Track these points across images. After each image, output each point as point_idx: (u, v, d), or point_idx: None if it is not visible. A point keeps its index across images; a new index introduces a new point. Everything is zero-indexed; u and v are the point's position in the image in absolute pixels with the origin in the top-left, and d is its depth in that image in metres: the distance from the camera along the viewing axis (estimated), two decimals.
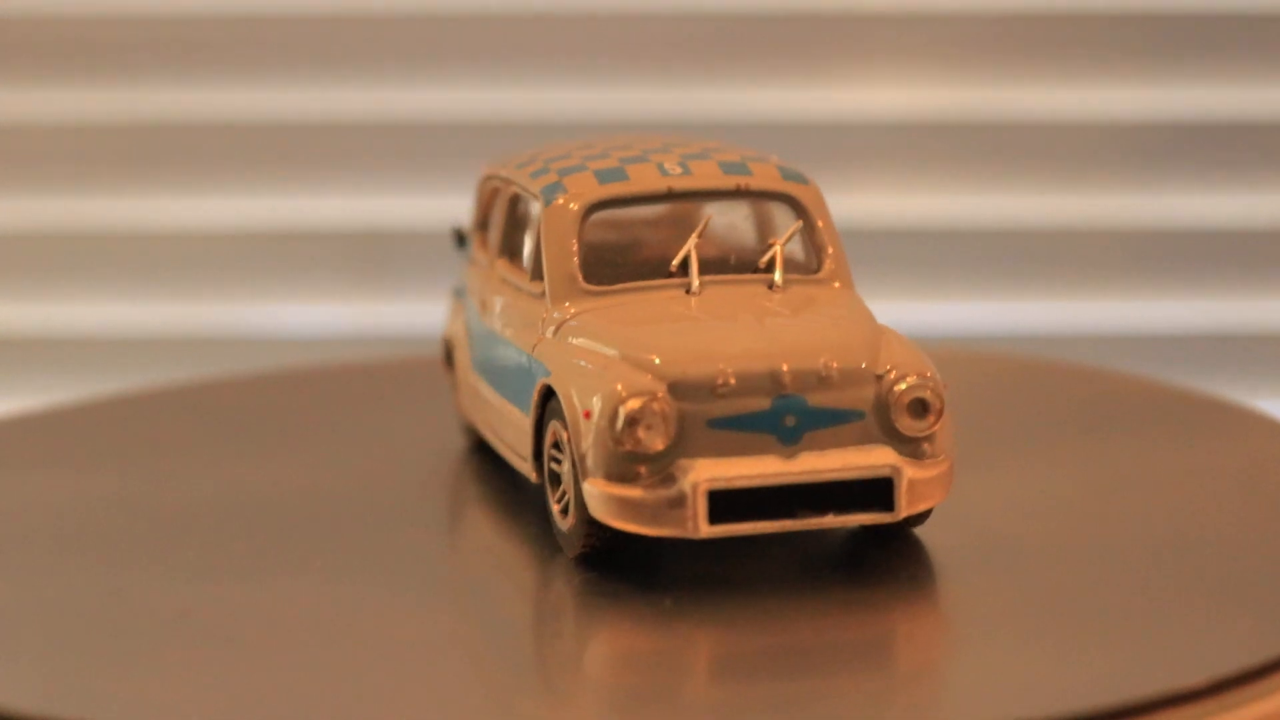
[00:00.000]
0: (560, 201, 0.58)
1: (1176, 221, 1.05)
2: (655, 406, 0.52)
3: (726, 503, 0.52)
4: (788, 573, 0.56)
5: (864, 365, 0.54)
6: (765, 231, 0.61)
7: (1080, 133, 1.04)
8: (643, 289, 0.57)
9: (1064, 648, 0.51)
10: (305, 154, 1.06)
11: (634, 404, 0.52)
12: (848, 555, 0.57)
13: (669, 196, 0.59)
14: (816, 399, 0.54)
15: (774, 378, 0.53)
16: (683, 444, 0.53)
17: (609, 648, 0.53)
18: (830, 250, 0.60)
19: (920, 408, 0.54)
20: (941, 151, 1.03)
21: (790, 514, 0.53)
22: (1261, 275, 1.05)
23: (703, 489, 0.52)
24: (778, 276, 0.58)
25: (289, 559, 0.58)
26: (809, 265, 0.59)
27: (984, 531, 0.59)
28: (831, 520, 0.53)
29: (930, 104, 1.04)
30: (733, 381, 0.53)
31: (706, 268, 0.59)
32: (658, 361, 0.53)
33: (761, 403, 0.53)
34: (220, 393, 0.77)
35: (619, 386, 0.52)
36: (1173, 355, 1.04)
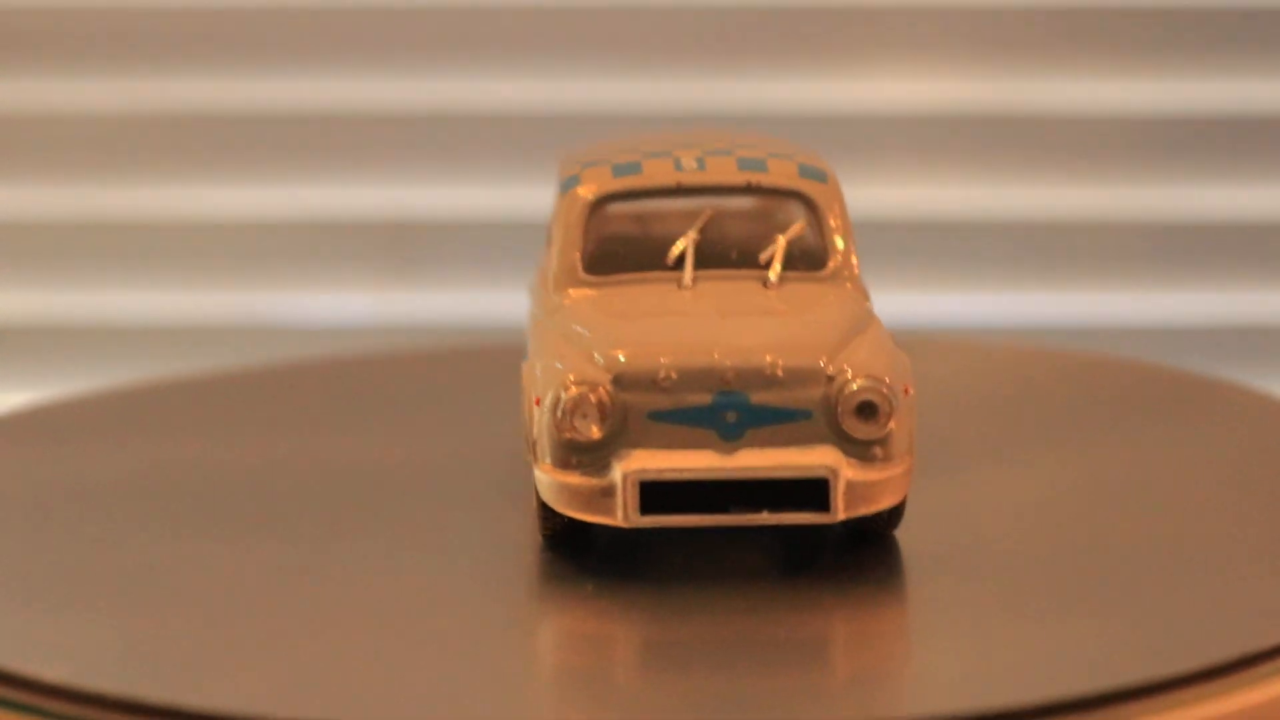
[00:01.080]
0: (573, 193, 0.60)
1: (1192, 214, 1.04)
2: (592, 397, 0.53)
3: (660, 494, 0.53)
4: (757, 568, 0.56)
5: (813, 365, 0.54)
6: (787, 227, 0.61)
7: (1096, 126, 1.04)
8: (639, 281, 0.59)
9: (1022, 645, 0.51)
10: (335, 144, 1.08)
11: (572, 393, 0.53)
12: (820, 554, 0.57)
13: (678, 191, 0.60)
14: (760, 397, 0.54)
15: (717, 373, 0.54)
16: (624, 435, 0.54)
17: (558, 632, 0.54)
18: (838, 248, 0.60)
19: (868, 410, 0.54)
20: (958, 144, 1.03)
21: (725, 509, 0.54)
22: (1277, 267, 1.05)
23: (633, 479, 0.53)
24: (772, 273, 0.59)
25: (305, 525, 0.61)
26: (817, 262, 0.60)
27: (967, 531, 0.59)
28: (766, 518, 0.54)
29: (947, 97, 1.04)
30: (674, 375, 0.54)
31: (709, 262, 0.59)
32: (608, 352, 0.54)
33: (703, 398, 0.54)
34: (258, 380, 0.80)
35: (568, 376, 0.54)
36: (1188, 347, 1.03)
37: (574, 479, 0.54)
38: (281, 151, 1.07)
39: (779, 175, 0.60)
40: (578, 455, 0.54)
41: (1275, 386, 0.83)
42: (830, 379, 0.54)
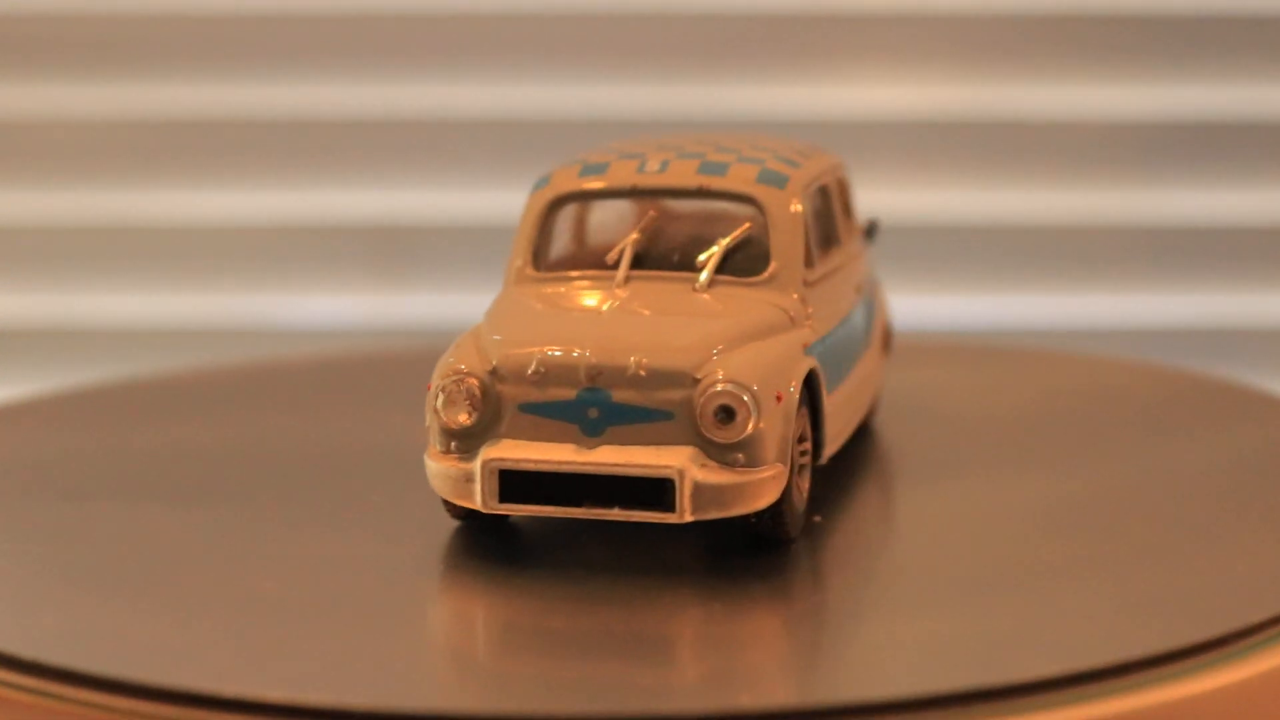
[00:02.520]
0: (537, 193, 0.62)
1: (1174, 218, 1.05)
2: (460, 385, 0.55)
3: (519, 484, 0.55)
4: (650, 564, 0.56)
5: (676, 367, 0.54)
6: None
7: (1080, 131, 1.04)
8: (578, 279, 0.60)
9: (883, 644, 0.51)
10: (325, 149, 1.07)
11: (443, 381, 0.55)
12: (726, 555, 0.57)
13: (634, 193, 0.61)
14: (621, 395, 0.54)
15: (583, 370, 0.54)
16: (497, 424, 0.55)
17: (446, 612, 0.56)
18: (778, 256, 0.59)
19: (726, 414, 0.54)
20: (944, 149, 1.03)
21: (579, 503, 0.54)
22: (1264, 271, 1.05)
23: (491, 468, 0.54)
24: (702, 277, 0.59)
25: (240, 503, 0.64)
26: (757, 268, 0.59)
27: (867, 543, 0.58)
28: (617, 514, 0.54)
29: (934, 103, 1.04)
30: (543, 370, 0.55)
31: (653, 263, 0.60)
32: (492, 344, 0.56)
33: (568, 393, 0.55)
34: (237, 375, 0.83)
35: (448, 365, 0.56)
36: (1169, 348, 1.03)
37: (448, 464, 0.55)
38: (272, 157, 1.08)
39: (734, 180, 0.60)
40: (454, 441, 0.56)
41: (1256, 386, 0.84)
42: (696, 382, 0.54)
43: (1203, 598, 0.55)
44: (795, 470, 0.56)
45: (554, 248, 0.61)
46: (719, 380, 0.54)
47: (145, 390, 0.80)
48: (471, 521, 0.59)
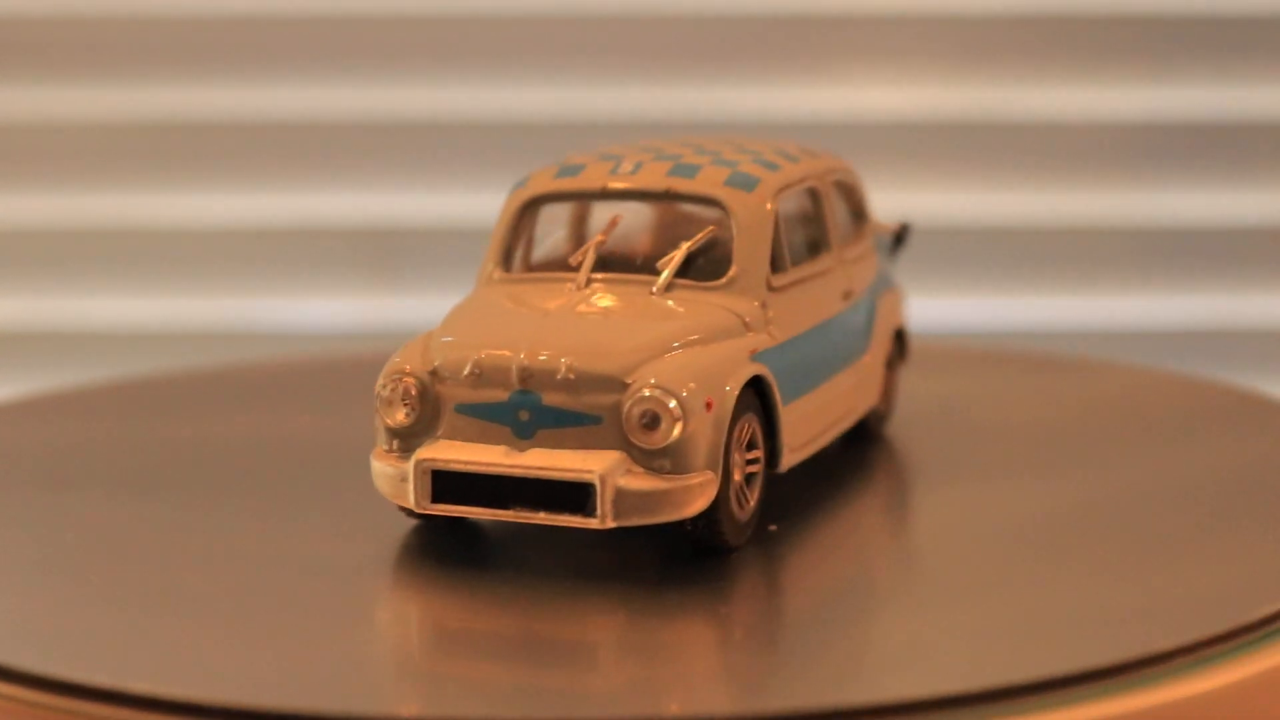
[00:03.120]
0: (512, 194, 0.62)
1: (1177, 220, 1.04)
2: (399, 385, 0.55)
3: (452, 485, 0.55)
4: (598, 568, 0.56)
5: (606, 372, 0.54)
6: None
7: (1083, 132, 1.03)
8: (542, 281, 0.60)
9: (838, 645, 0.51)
10: (320, 152, 1.07)
11: (383, 381, 0.55)
12: (671, 562, 0.56)
13: (604, 195, 0.61)
14: (552, 398, 0.54)
15: (515, 372, 0.54)
16: (435, 424, 0.55)
17: (382, 613, 0.56)
18: (740, 260, 0.58)
19: (651, 421, 0.53)
20: (941, 151, 1.03)
21: (508, 505, 0.54)
22: (1264, 272, 1.05)
23: (423, 468, 0.55)
24: (660, 280, 0.58)
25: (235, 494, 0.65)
26: (718, 271, 0.58)
27: (823, 553, 0.58)
28: (543, 518, 0.54)
29: (930, 104, 1.04)
30: (478, 371, 0.55)
31: (619, 265, 0.60)
32: (437, 344, 0.56)
33: (501, 395, 0.55)
34: (224, 376, 0.83)
35: (391, 365, 0.56)
36: (1173, 350, 1.03)
37: (388, 463, 0.56)
38: (265, 160, 1.07)
39: (702, 182, 0.60)
40: (396, 440, 0.56)
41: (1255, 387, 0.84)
42: (625, 386, 0.54)
43: (1210, 594, 0.54)
44: (733, 477, 0.55)
45: (530, 249, 0.61)
46: (646, 385, 0.53)
47: (127, 390, 0.82)
48: (429, 522, 0.59)
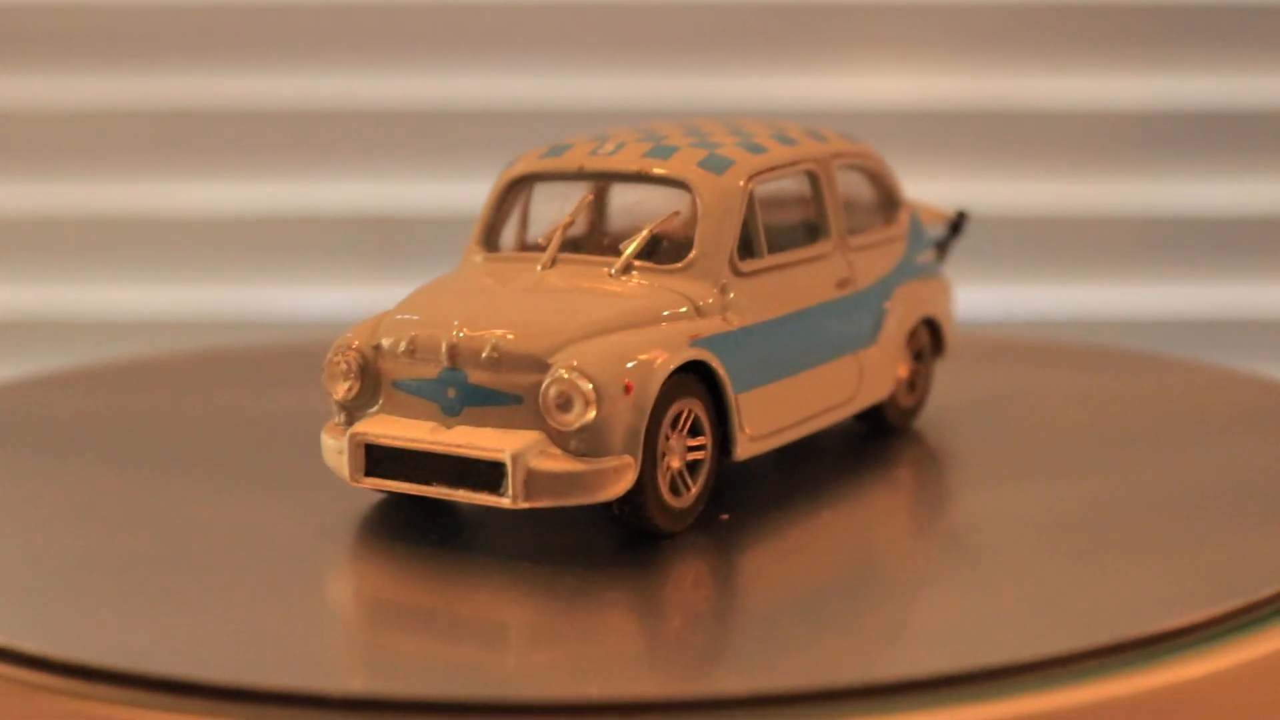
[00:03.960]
0: (501, 174, 0.62)
1: (1182, 208, 1.04)
2: (338, 359, 0.56)
3: (384, 459, 0.55)
4: (548, 549, 0.56)
5: (527, 352, 0.53)
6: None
7: (1089, 121, 1.03)
8: (514, 260, 0.59)
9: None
10: (320, 140, 1.05)
11: (329, 354, 0.56)
12: (630, 546, 0.56)
13: (580, 176, 0.60)
14: (477, 376, 0.54)
15: (444, 350, 0.54)
16: (375, 399, 0.56)
17: (322, 586, 0.56)
18: (701, 244, 0.57)
19: (564, 402, 0.52)
20: (952, 139, 1.02)
21: (431, 482, 0.54)
22: (1273, 260, 1.04)
23: (356, 441, 0.55)
24: (619, 261, 0.57)
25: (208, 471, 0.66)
26: (680, 254, 0.57)
27: (773, 541, 0.57)
28: (461, 495, 0.54)
29: (936, 92, 1.04)
30: (412, 348, 0.55)
31: (588, 246, 0.59)
32: (383, 320, 0.56)
33: (431, 371, 0.55)
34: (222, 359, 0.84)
35: (341, 337, 0.56)
36: (1169, 338, 1.03)
37: (332, 436, 0.56)
38: (266, 148, 1.06)
39: (673, 164, 0.59)
40: (343, 414, 0.56)
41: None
42: (547, 367, 0.53)
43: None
44: (669, 463, 0.54)
45: (525, 227, 0.61)
46: (563, 367, 0.53)
47: (119, 370, 0.82)
48: (391, 497, 0.59)
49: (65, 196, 1.04)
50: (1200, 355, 0.95)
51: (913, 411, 0.67)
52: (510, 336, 0.54)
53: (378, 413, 0.56)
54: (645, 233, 0.58)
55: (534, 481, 0.52)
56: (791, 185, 0.64)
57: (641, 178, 0.59)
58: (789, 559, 0.56)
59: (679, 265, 0.57)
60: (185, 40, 1.04)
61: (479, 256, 0.60)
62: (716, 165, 0.59)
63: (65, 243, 1.04)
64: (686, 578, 0.55)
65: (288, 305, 1.04)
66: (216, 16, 1.03)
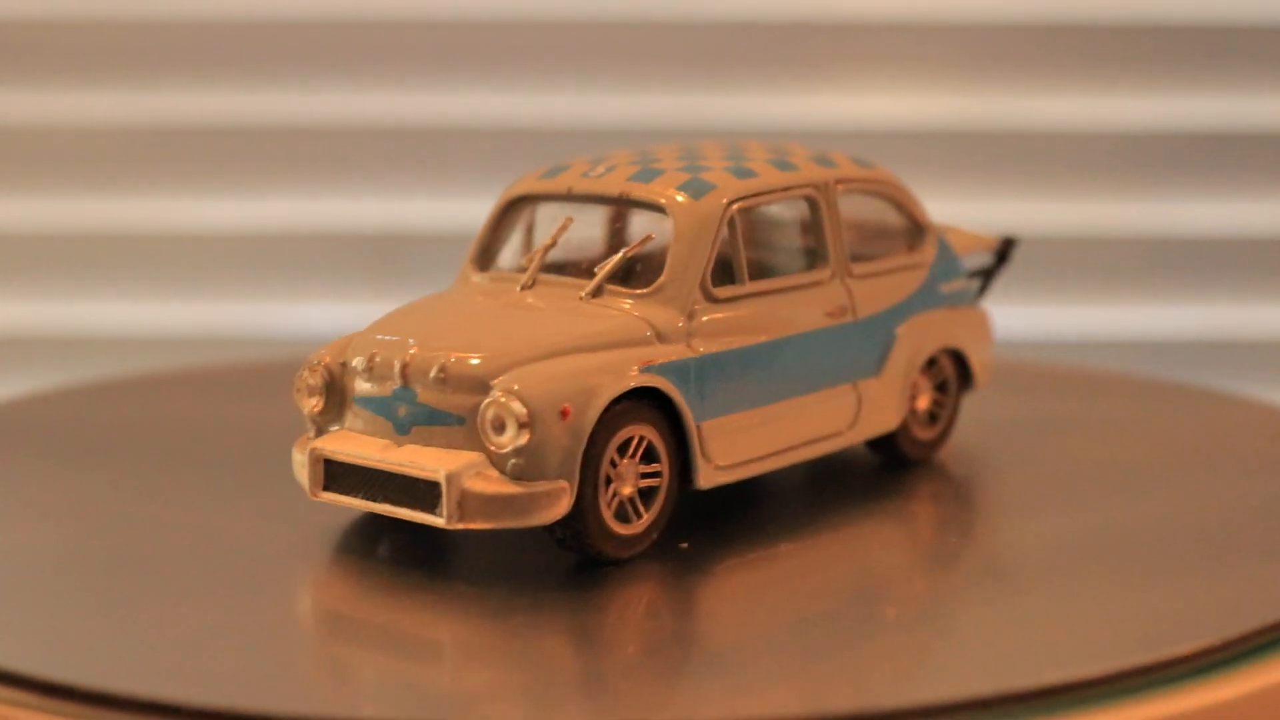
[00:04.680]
0: (502, 194, 0.62)
1: (1187, 229, 1.05)
2: (306, 375, 0.56)
3: (341, 475, 0.55)
4: (497, 571, 0.56)
5: (471, 373, 0.53)
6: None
7: (1094, 141, 1.03)
8: (499, 279, 0.60)
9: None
10: (323, 157, 1.04)
11: (300, 370, 0.56)
12: (581, 571, 0.56)
13: (568, 197, 0.60)
14: (425, 396, 0.54)
15: (398, 369, 0.55)
16: (341, 415, 0.56)
17: (279, 598, 0.56)
18: (671, 268, 0.57)
19: (499, 424, 0.52)
20: (954, 159, 1.03)
21: (378, 499, 0.54)
22: (1274, 282, 1.05)
23: (315, 455, 0.56)
24: (590, 284, 0.57)
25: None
26: (650, 278, 0.57)
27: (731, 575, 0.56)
28: (404, 514, 0.54)
29: (936, 113, 1.04)
30: (369, 366, 0.55)
31: (569, 268, 0.59)
32: (357, 337, 0.57)
33: (386, 389, 0.55)
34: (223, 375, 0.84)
35: (314, 353, 0.57)
36: (1168, 359, 1.03)
37: (300, 450, 0.57)
38: (273, 164, 1.04)
39: (654, 187, 0.58)
40: (314, 428, 0.57)
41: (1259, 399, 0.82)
42: (489, 389, 0.53)
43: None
44: (618, 489, 0.54)
45: (517, 247, 0.62)
46: (500, 389, 0.53)
47: (121, 385, 0.83)
48: (369, 515, 0.60)
49: (67, 212, 1.04)
50: (1202, 376, 0.99)
51: (932, 444, 0.66)
52: (455, 358, 0.54)
53: (341, 429, 0.57)
54: (619, 256, 0.58)
55: (468, 502, 0.53)
56: (790, 211, 0.63)
57: (622, 201, 0.59)
58: (759, 590, 0.55)
59: (648, 290, 0.57)
60: (188, 57, 1.03)
61: (471, 275, 0.61)
62: (696, 189, 0.58)
63: (68, 258, 1.04)
64: (638, 605, 0.55)
65: (291, 322, 1.04)
66: (218, 33, 1.03)
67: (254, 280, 1.03)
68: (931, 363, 0.65)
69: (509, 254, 0.62)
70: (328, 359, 0.57)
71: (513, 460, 0.53)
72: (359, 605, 0.55)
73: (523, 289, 0.59)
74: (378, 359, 0.56)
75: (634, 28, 1.03)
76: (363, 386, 0.56)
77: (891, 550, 0.60)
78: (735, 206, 0.58)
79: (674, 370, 0.55)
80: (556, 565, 0.56)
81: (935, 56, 1.05)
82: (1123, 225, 1.05)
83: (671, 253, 0.57)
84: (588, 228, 0.61)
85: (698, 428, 0.56)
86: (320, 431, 0.57)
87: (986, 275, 0.71)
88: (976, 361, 0.67)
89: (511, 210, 0.62)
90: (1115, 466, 0.68)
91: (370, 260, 1.00)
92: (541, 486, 0.52)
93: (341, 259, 1.01)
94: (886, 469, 0.66)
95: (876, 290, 0.63)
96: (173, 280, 1.03)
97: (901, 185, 0.65)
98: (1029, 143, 1.06)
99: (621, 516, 0.55)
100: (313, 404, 0.57)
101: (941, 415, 0.66)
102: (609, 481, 0.54)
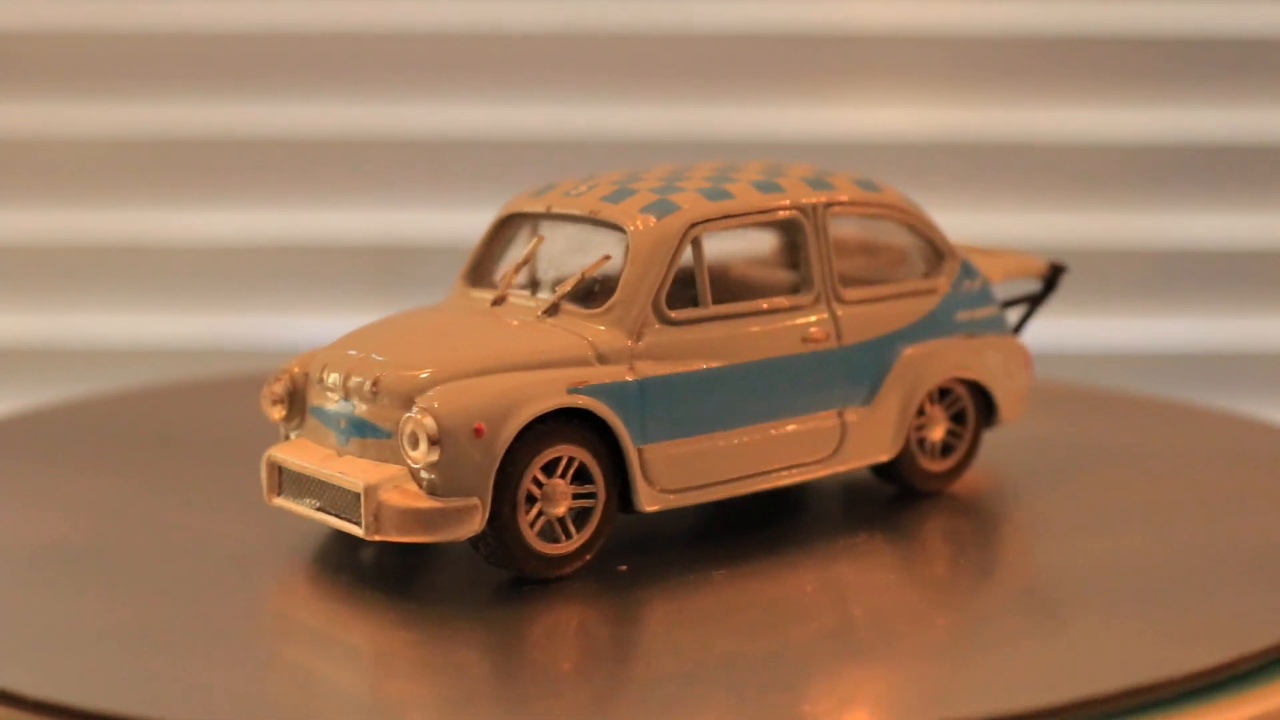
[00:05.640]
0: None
1: (1187, 242, 1.05)
2: (272, 383, 0.58)
3: (289, 481, 0.57)
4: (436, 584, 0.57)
5: (398, 389, 0.54)
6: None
7: (1093, 153, 1.04)
8: (478, 294, 0.60)
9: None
10: (324, 169, 1.02)
11: (270, 379, 0.58)
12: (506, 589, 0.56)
13: (546, 216, 0.60)
14: (360, 410, 0.55)
15: (341, 382, 0.56)
16: (302, 423, 0.57)
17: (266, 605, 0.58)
18: (623, 289, 0.56)
19: (413, 440, 0.53)
20: (956, 171, 1.03)
21: (316, 506, 0.55)
22: (1274, 294, 1.05)
23: (269, 461, 0.57)
24: (548, 302, 0.57)
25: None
26: (604, 298, 0.56)
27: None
28: (336, 523, 0.55)
29: (938, 124, 1.04)
30: (320, 378, 0.57)
31: (538, 286, 0.59)
32: (324, 349, 0.58)
33: (331, 401, 0.56)
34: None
35: (285, 363, 0.58)
36: (1171, 372, 1.04)
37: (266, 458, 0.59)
38: (274, 176, 1.03)
39: (620, 208, 0.58)
40: (282, 435, 0.59)
41: (1260, 412, 0.85)
42: (412, 405, 0.53)
43: None
44: (549, 509, 0.54)
45: (485, 263, 0.62)
46: (419, 406, 0.53)
47: (120, 399, 0.84)
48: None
49: (69, 223, 1.04)
50: (1205, 390, 1.00)
51: (945, 476, 0.64)
52: (385, 373, 0.55)
53: (299, 437, 0.58)
54: (577, 275, 0.58)
55: (384, 515, 0.54)
56: (775, 233, 0.62)
57: (589, 220, 0.59)
58: (690, 617, 0.55)
59: (600, 310, 0.57)
60: (190, 69, 1.03)
61: (460, 290, 0.62)
62: (660, 210, 0.58)
63: (70, 270, 1.04)
64: (569, 624, 0.55)
65: (292, 334, 1.03)
66: (219, 45, 1.03)
67: (255, 292, 1.04)
68: (945, 393, 0.64)
69: (501, 270, 0.62)
70: (295, 369, 0.59)
71: (426, 475, 0.53)
72: (306, 610, 0.56)
73: (493, 304, 0.59)
74: (326, 371, 0.57)
75: (638, 40, 1.03)
76: (315, 397, 0.57)
77: (846, 579, 0.58)
78: (698, 229, 0.58)
79: (609, 392, 0.55)
80: (492, 580, 0.56)
81: (938, 69, 1.05)
82: (1126, 237, 1.05)
83: (625, 273, 0.57)
84: (570, 247, 0.61)
85: (639, 450, 0.56)
86: (286, 439, 0.59)
87: (1032, 303, 0.69)
88: (1001, 394, 0.64)
89: (504, 227, 0.62)
90: (1118, 490, 0.65)
91: (371, 272, 1.01)
92: (454, 502, 0.53)
93: (343, 271, 1.02)
94: (877, 498, 0.64)
95: (870, 316, 0.61)
96: (173, 292, 1.04)
97: (912, 208, 0.63)
98: (1033, 155, 1.05)
99: (553, 536, 0.55)
100: (276, 412, 0.58)
101: (959, 447, 0.64)
102: (534, 501, 0.55)
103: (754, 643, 0.52)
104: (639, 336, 0.56)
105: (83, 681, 0.50)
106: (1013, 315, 0.69)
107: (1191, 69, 1.04)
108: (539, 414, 0.54)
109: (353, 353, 0.57)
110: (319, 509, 0.56)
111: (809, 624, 0.54)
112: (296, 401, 0.58)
